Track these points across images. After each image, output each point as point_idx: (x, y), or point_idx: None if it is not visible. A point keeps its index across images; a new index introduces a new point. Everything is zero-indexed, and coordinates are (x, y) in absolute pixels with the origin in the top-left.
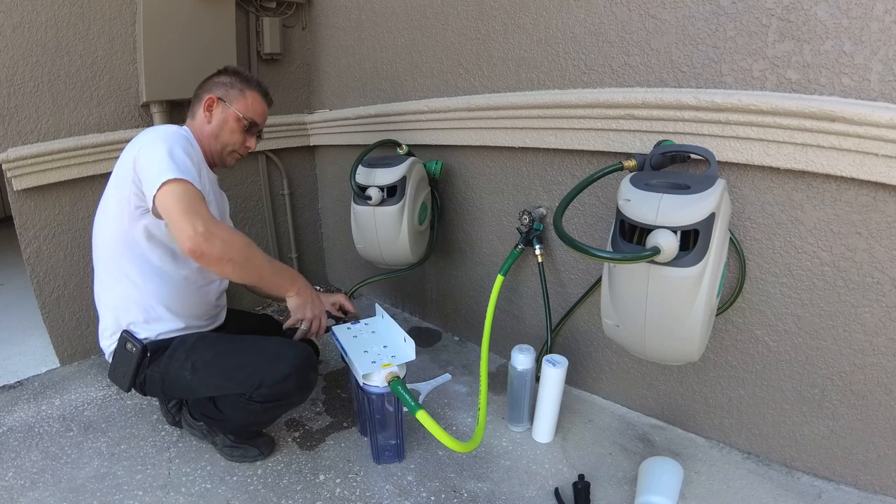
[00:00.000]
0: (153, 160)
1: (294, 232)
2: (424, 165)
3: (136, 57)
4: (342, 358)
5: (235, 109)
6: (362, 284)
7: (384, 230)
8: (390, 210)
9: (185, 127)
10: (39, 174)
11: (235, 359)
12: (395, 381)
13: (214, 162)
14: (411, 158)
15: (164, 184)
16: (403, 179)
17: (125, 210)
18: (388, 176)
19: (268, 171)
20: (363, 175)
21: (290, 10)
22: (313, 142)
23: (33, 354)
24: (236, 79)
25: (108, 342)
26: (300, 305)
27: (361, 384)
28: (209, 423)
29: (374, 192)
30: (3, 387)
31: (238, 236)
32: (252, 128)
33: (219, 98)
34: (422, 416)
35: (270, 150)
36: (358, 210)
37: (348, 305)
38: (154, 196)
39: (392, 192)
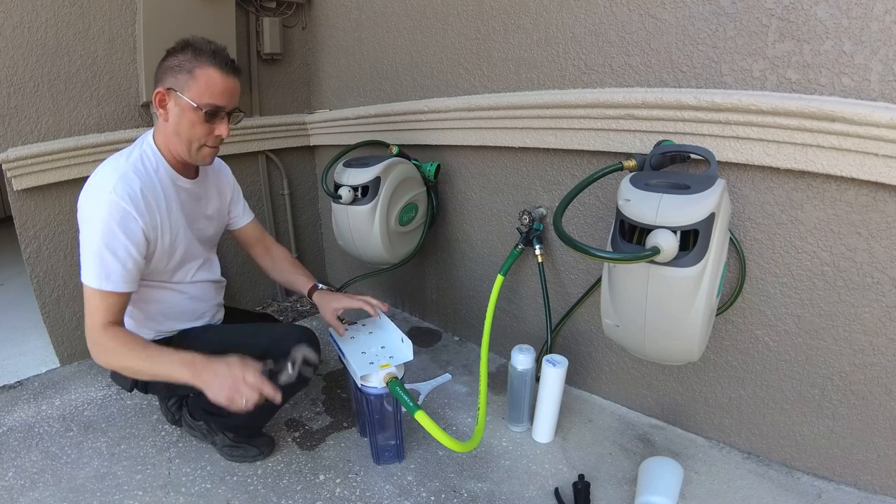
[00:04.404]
0: (84, 249)
1: (294, 232)
2: (419, 166)
3: (136, 57)
4: (340, 359)
5: (188, 98)
6: (352, 282)
7: (357, 229)
8: (361, 210)
9: (147, 142)
10: (39, 174)
11: (244, 343)
12: (393, 381)
13: (188, 162)
14: (391, 159)
15: (84, 282)
16: (377, 180)
17: None
18: (360, 176)
19: (268, 171)
20: (339, 174)
21: (290, 10)
22: (313, 142)
23: (33, 354)
24: (185, 56)
25: None
26: (211, 388)
27: (359, 385)
28: (210, 421)
29: (344, 192)
30: (3, 387)
31: (115, 355)
32: (216, 113)
33: (168, 88)
34: (420, 417)
35: (270, 150)
36: (335, 207)
37: (359, 304)
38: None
39: (365, 192)
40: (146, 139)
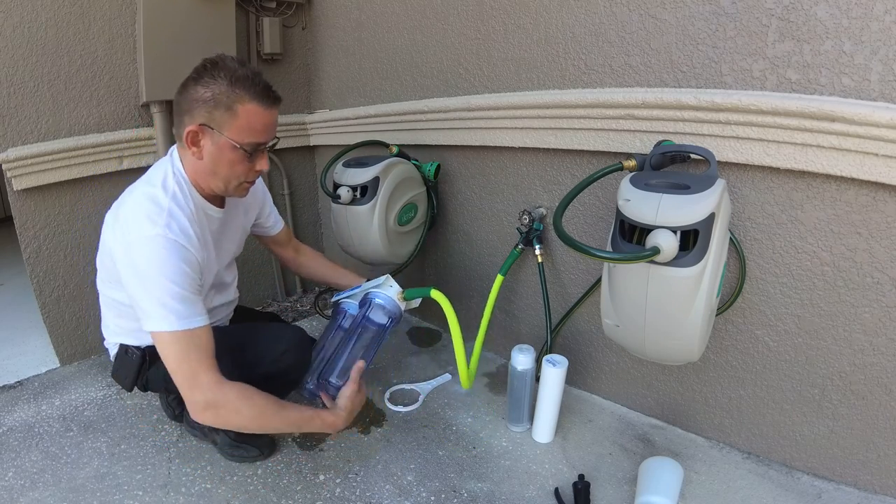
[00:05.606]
0: (150, 295)
1: (294, 232)
2: (419, 166)
3: (136, 57)
4: (335, 313)
5: (228, 137)
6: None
7: (356, 229)
8: (360, 210)
9: (177, 168)
10: (39, 174)
11: (238, 343)
12: (406, 291)
13: (222, 196)
14: (390, 159)
15: (164, 330)
16: (376, 180)
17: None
18: (358, 177)
19: (268, 170)
20: (338, 174)
21: (290, 10)
22: (313, 142)
23: (33, 354)
24: (221, 86)
25: (109, 340)
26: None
27: (373, 297)
28: None
29: (343, 192)
30: (3, 387)
31: (246, 404)
32: (257, 150)
33: (203, 125)
34: (436, 294)
35: (270, 150)
36: (334, 207)
37: None
38: (151, 335)
39: (364, 192)
40: (174, 164)
